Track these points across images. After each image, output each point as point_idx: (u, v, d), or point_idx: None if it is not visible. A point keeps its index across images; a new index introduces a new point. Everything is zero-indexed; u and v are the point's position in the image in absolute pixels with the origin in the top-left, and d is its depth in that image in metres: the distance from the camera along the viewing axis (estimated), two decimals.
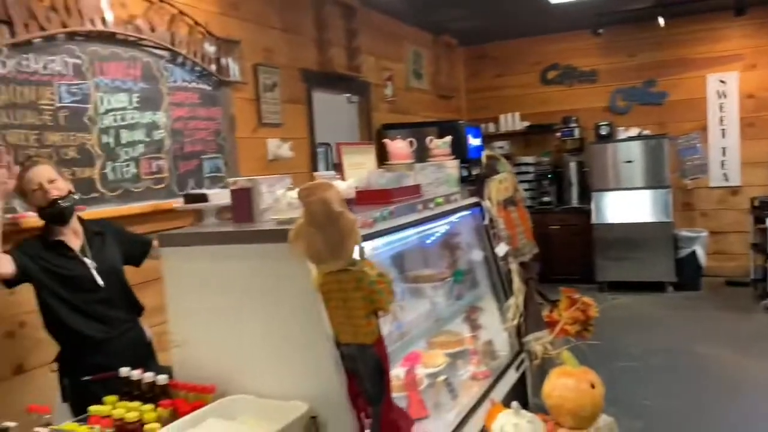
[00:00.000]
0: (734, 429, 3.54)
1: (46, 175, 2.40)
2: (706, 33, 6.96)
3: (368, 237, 2.18)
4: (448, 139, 3.44)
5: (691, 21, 6.90)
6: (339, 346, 1.72)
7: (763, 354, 4.63)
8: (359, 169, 2.86)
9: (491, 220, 3.32)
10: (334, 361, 1.75)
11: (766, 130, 6.78)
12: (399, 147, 3.13)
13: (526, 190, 7.61)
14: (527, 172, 7.64)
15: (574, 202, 7.33)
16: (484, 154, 3.41)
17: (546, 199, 7.47)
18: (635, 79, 7.33)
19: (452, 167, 3.35)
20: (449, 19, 6.67)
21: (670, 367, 4.54)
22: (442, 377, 2.78)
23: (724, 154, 7.01)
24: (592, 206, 6.97)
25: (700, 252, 6.56)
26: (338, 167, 2.76)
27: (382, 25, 6.07)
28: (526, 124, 7.73)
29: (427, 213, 2.75)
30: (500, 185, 3.32)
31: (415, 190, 2.81)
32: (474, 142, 6.32)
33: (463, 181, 3.62)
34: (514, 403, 2.65)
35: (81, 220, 2.55)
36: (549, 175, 7.47)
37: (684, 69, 7.08)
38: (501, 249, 3.29)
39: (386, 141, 3.16)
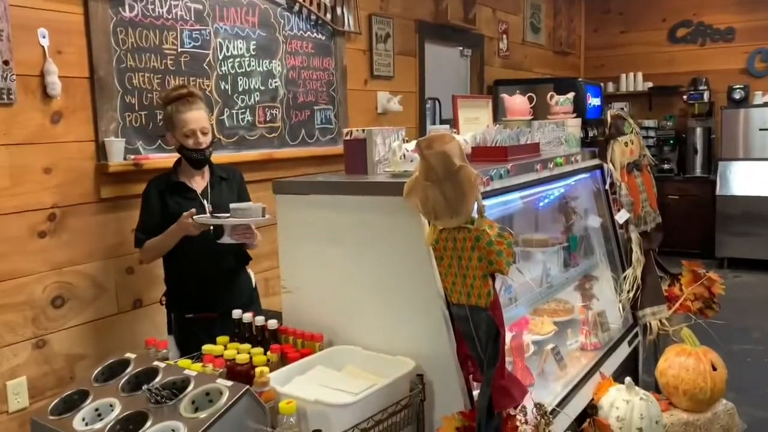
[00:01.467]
0: None
1: (201, 122, 2.45)
2: None
3: (484, 196, 2.08)
4: (571, 95, 3.24)
5: None
6: (450, 306, 1.66)
7: None
8: (474, 125, 2.74)
9: (612, 185, 3.13)
10: (445, 321, 1.69)
11: None
12: (517, 102, 2.98)
13: None
14: (648, 137, 7.16)
15: (698, 171, 6.82)
16: (610, 112, 3.19)
17: (666, 166, 7.00)
18: None
19: (574, 126, 3.16)
20: None
21: None
22: (550, 346, 2.66)
23: None
24: (718, 176, 6.46)
25: None
26: (453, 121, 2.65)
27: None
28: (650, 84, 7.22)
29: (546, 173, 2.60)
30: (625, 147, 3.11)
31: (534, 148, 2.66)
32: (594, 101, 5.96)
33: (582, 142, 3.41)
34: (628, 379, 2.51)
35: (210, 164, 2.60)
36: (671, 141, 6.98)
37: None
38: (621, 216, 3.09)
39: (504, 96, 3.02)
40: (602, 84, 7.36)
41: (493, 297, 1.50)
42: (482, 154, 2.34)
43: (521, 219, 2.95)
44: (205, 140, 2.46)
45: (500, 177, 2.19)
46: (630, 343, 3.03)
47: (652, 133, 7.13)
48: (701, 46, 7.07)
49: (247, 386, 1.46)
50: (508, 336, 2.55)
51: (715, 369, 2.80)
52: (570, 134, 3.10)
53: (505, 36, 5.92)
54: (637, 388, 2.47)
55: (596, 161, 3.12)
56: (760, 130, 6.29)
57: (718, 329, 4.53)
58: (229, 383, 1.47)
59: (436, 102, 5.01)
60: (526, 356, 2.54)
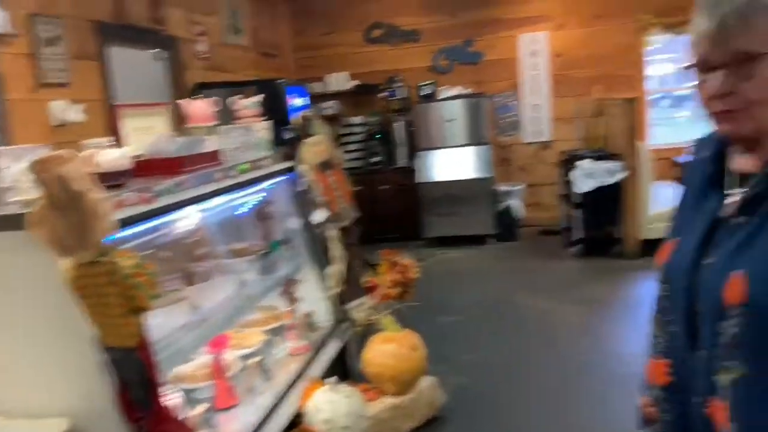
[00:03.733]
0: (550, 373, 3.73)
1: None
2: None
3: (150, 214, 1.89)
4: (257, 98, 3.17)
5: None
6: (105, 350, 1.45)
7: (571, 299, 4.96)
8: (148, 135, 2.52)
9: (308, 185, 3.15)
10: (99, 367, 1.47)
11: (574, 88, 7.21)
12: (198, 108, 2.82)
13: (355, 150, 7.53)
14: (356, 133, 7.55)
15: (402, 161, 7.38)
16: (299, 115, 3.21)
17: (375, 159, 7.45)
18: (456, 38, 7.45)
19: (262, 129, 3.10)
20: None
21: (492, 318, 4.72)
22: (256, 358, 2.58)
23: (536, 111, 7.39)
24: (418, 165, 7.06)
25: (517, 204, 6.91)
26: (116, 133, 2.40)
27: None
28: (355, 83, 7.60)
29: (230, 182, 2.49)
30: (314, 148, 3.14)
31: (214, 156, 2.53)
32: (299, 102, 6.06)
33: (284, 143, 3.39)
34: (331, 379, 2.53)
35: None
36: (377, 135, 7.44)
37: (498, 29, 7.30)
38: (319, 215, 3.13)
39: (182, 102, 2.83)
40: (311, 84, 7.58)
41: (140, 336, 1.33)
42: (149, 168, 2.14)
43: (220, 229, 2.81)
44: None
45: (170, 192, 2.02)
46: (340, 338, 3.09)
47: (359, 129, 7.52)
48: (394, 46, 7.63)
49: None
50: (208, 358, 2.41)
51: (414, 350, 2.99)
52: (259, 138, 3.04)
53: (203, 38, 5.70)
54: (341, 386, 2.51)
55: (289, 164, 3.11)
56: (447, 121, 7.01)
57: (426, 306, 4.92)
58: None
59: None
60: (232, 374, 2.42)
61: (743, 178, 1.10)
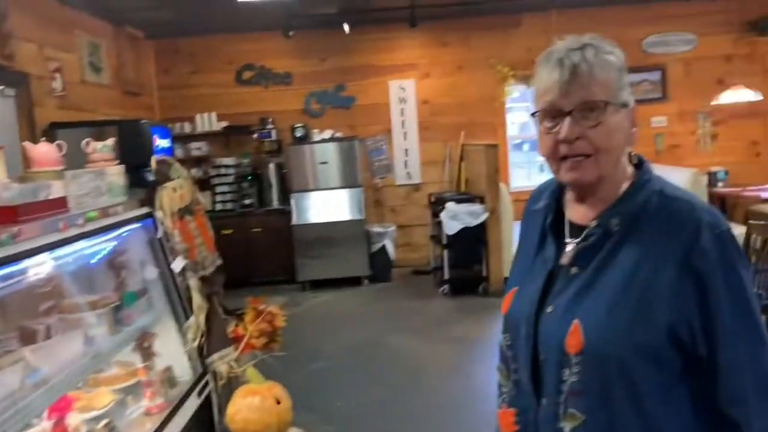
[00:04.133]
0: (419, 416, 3.75)
1: None
2: (386, 41, 7.47)
3: None
4: (111, 141, 3.01)
5: (372, 29, 7.33)
6: None
7: (441, 338, 5.08)
8: None
9: (165, 233, 3.00)
10: None
11: (440, 134, 7.53)
12: (43, 151, 2.62)
13: (227, 192, 7.36)
14: (228, 174, 7.40)
15: (275, 203, 7.30)
16: (154, 159, 3.08)
17: (247, 201, 7.31)
18: (327, 83, 7.56)
19: (115, 174, 2.93)
20: (130, 8, 6.08)
21: (363, 362, 4.70)
22: (104, 421, 2.38)
23: (406, 154, 7.62)
24: (292, 207, 7.01)
25: (390, 245, 7.02)
26: None
27: (44, 9, 5.25)
28: (224, 124, 7.47)
29: (76, 231, 2.32)
30: (174, 193, 3.02)
31: (60, 203, 2.35)
32: (163, 143, 5.85)
33: (147, 187, 3.22)
34: None
35: None
36: (249, 177, 7.32)
37: (368, 75, 7.51)
38: (178, 264, 2.99)
39: (26, 144, 2.63)
40: (179, 124, 7.36)
41: None
42: None
43: (63, 283, 2.60)
44: None
45: (2, 244, 1.85)
46: (200, 393, 2.93)
47: (231, 171, 7.38)
48: (265, 88, 7.61)
49: None
50: (47, 424, 2.20)
51: (279, 402, 2.90)
52: (112, 183, 2.87)
53: (58, 75, 5.38)
54: None
55: (145, 210, 2.96)
56: (320, 163, 7.04)
57: (297, 353, 4.82)
58: None
59: None
60: None
61: (580, 228, 1.17)
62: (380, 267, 7.05)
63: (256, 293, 5.52)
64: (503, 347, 1.27)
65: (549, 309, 1.15)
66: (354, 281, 6.98)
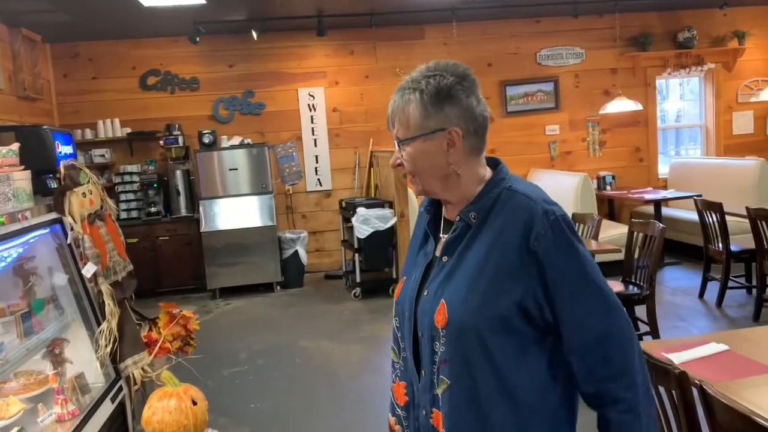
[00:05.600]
0: (333, 412, 3.87)
1: None
2: (295, 49, 7.57)
3: None
4: (15, 146, 2.96)
5: (281, 37, 7.41)
6: None
7: (353, 338, 5.22)
8: None
9: (76, 238, 2.98)
10: None
11: (350, 141, 7.70)
12: None
13: (132, 200, 7.19)
14: (133, 182, 7.22)
15: (183, 211, 7.20)
16: (62, 164, 3.05)
17: (154, 209, 7.17)
18: (236, 89, 7.56)
19: (22, 179, 2.89)
20: (26, 10, 5.86)
21: (276, 365, 4.77)
22: (14, 430, 2.35)
23: (317, 161, 7.73)
24: (201, 214, 6.95)
25: (302, 251, 7.10)
26: None
27: None
28: (128, 130, 7.30)
29: None
30: (84, 198, 3.00)
31: None
32: (65, 149, 5.65)
33: (51, 193, 3.17)
34: None
35: None
36: (155, 185, 7.18)
37: (278, 82, 7.58)
38: (89, 269, 2.98)
39: None
40: (80, 130, 7.13)
41: None
42: None
43: None
44: None
45: None
46: (113, 399, 2.92)
47: (136, 178, 7.21)
48: (172, 93, 7.50)
49: None
50: None
51: (195, 403, 2.93)
52: (19, 188, 2.83)
53: None
54: None
55: (53, 215, 2.93)
56: (229, 169, 7.02)
57: (209, 358, 4.83)
58: None
59: None
60: None
61: (451, 224, 1.38)
62: (292, 273, 7.11)
63: (164, 302, 5.45)
64: (394, 329, 1.46)
65: (425, 293, 1.36)
66: (266, 287, 7.00)
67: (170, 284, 7.01)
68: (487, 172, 1.37)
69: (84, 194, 2.99)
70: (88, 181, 3.03)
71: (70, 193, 2.94)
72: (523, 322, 1.26)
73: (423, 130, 1.30)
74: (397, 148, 1.36)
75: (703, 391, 1.58)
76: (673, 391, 1.74)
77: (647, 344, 2.49)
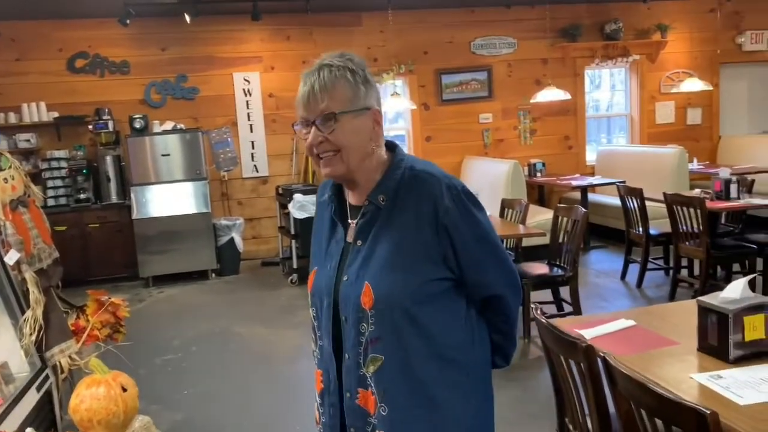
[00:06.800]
0: (266, 397, 3.90)
1: None
2: (229, 33, 7.46)
3: None
4: None
5: (215, 20, 7.30)
6: None
7: (288, 324, 5.25)
8: None
9: None
10: None
11: (286, 127, 7.64)
12: None
13: (60, 187, 6.97)
14: (60, 168, 6.99)
15: (114, 197, 7.02)
16: None
17: (83, 196, 6.96)
18: (168, 73, 7.40)
19: None
20: None
21: (211, 352, 4.75)
22: None
23: (253, 147, 7.67)
24: (132, 201, 6.80)
25: (238, 238, 7.05)
26: None
27: None
28: (55, 114, 7.05)
29: None
30: (5, 184, 2.92)
31: None
32: None
33: None
34: (28, 430, 2.37)
35: None
36: (84, 171, 6.97)
37: (212, 66, 7.47)
38: (11, 256, 2.90)
39: None
40: (2, 114, 6.85)
41: None
42: None
43: None
44: None
45: None
46: (39, 388, 2.87)
47: (64, 164, 6.98)
48: (101, 77, 7.28)
49: None
50: None
51: (125, 390, 2.92)
52: None
53: None
54: None
55: None
56: (162, 155, 6.89)
57: (142, 346, 4.77)
58: None
59: None
60: None
61: (358, 209, 1.42)
62: (228, 260, 7.05)
63: (94, 290, 5.31)
64: (311, 319, 1.51)
65: (345, 278, 1.41)
66: (201, 275, 6.94)
67: (101, 272, 6.84)
68: (385, 155, 1.44)
69: (6, 180, 2.91)
70: (10, 167, 2.95)
71: None
72: (442, 285, 1.37)
73: (354, 106, 1.34)
74: (314, 128, 1.35)
75: (606, 363, 1.71)
76: (581, 364, 1.86)
77: (564, 321, 2.64)
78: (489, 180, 6.86)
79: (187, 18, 6.86)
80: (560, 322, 2.47)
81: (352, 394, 1.41)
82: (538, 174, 7.99)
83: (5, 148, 6.83)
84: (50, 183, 6.92)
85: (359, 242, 1.40)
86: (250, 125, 7.64)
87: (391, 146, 1.46)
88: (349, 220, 1.46)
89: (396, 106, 7.50)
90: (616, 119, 9.19)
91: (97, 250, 6.86)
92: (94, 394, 2.84)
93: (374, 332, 1.35)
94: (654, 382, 1.63)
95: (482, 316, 1.45)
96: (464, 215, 1.36)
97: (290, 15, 7.45)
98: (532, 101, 7.87)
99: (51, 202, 6.87)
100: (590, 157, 8.67)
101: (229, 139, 7.53)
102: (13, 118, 6.94)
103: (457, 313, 1.40)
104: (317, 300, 1.47)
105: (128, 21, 6.63)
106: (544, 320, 2.03)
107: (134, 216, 6.77)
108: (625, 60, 8.52)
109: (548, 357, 2.12)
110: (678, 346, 2.08)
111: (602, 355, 1.75)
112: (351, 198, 1.47)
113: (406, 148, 8.22)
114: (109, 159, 7.00)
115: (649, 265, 5.63)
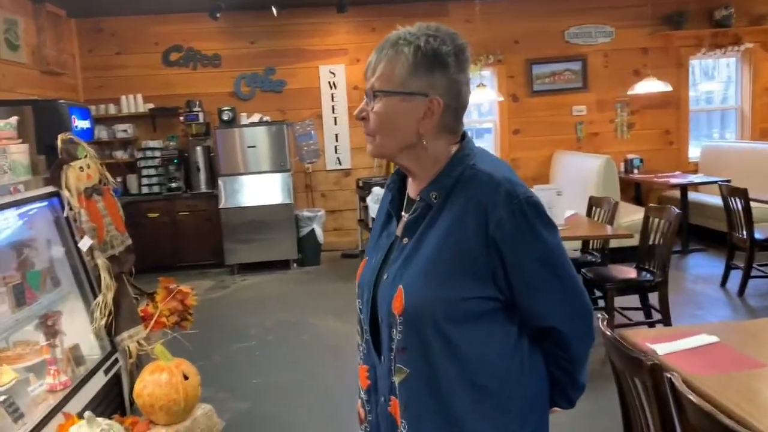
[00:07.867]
0: (334, 391, 3.86)
1: None
2: (315, 26, 7.49)
3: None
4: (14, 119, 2.99)
5: (301, 13, 7.35)
6: None
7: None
8: None
9: (72, 212, 3.00)
10: None
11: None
12: None
13: (153, 175, 7.27)
14: (154, 157, 7.29)
15: (203, 187, 7.25)
16: (60, 137, 3.06)
17: (174, 185, 7.23)
18: (257, 66, 7.53)
19: (18, 152, 2.92)
20: None
21: (284, 342, 4.78)
22: (2, 398, 2.39)
23: (337, 139, 7.69)
24: (220, 191, 6.99)
25: (318, 230, 7.09)
26: None
27: None
28: (150, 106, 7.36)
29: None
30: (81, 173, 3.02)
31: None
32: (82, 124, 5.73)
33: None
34: (87, 413, 2.43)
35: None
36: (176, 161, 7.24)
37: (299, 59, 7.53)
38: (85, 243, 3.00)
39: None
40: (104, 105, 7.22)
41: None
42: None
43: None
44: None
45: None
46: (107, 371, 2.96)
47: (157, 154, 7.28)
48: (193, 70, 7.52)
49: None
50: None
51: (187, 378, 2.95)
52: (14, 162, 2.85)
53: None
54: (99, 419, 2.41)
55: (50, 189, 2.95)
56: (249, 147, 7.03)
57: (219, 334, 4.87)
58: None
59: None
60: None
61: (412, 203, 1.29)
62: (309, 251, 7.11)
63: (183, 277, 5.50)
64: (358, 311, 1.39)
65: (385, 276, 1.28)
66: (283, 264, 7.03)
67: (189, 259, 7.09)
68: (451, 148, 1.27)
69: (81, 168, 3.00)
70: (86, 156, 3.04)
71: (66, 167, 2.96)
72: (486, 305, 1.20)
73: (404, 88, 1.20)
74: (366, 101, 1.24)
75: (672, 385, 1.50)
76: (646, 383, 1.66)
77: (641, 332, 2.41)
78: (580, 176, 6.51)
79: (274, 11, 6.94)
80: (635, 333, 2.25)
81: (385, 399, 1.30)
82: (635, 171, 7.52)
83: (105, 138, 7.22)
84: (144, 172, 7.24)
85: (405, 239, 1.27)
86: (335, 118, 7.66)
87: (462, 138, 1.29)
88: (403, 213, 1.33)
89: (481, 98, 7.26)
90: (729, 113, 8.48)
91: (186, 237, 7.10)
92: (157, 380, 2.89)
93: (401, 341, 1.23)
94: (729, 411, 1.41)
95: (540, 346, 1.27)
96: (522, 230, 1.17)
97: (375, 6, 7.38)
98: (630, 93, 7.40)
99: (145, 190, 7.20)
100: (694, 153, 8.07)
101: (312, 132, 7.58)
102: (112, 109, 7.31)
103: (505, 340, 1.22)
104: (361, 293, 1.37)
105: (218, 15, 6.80)
106: (608, 331, 1.83)
107: (221, 205, 6.95)
108: (736, 48, 7.85)
109: (614, 371, 1.92)
110: (766, 369, 1.82)
111: (669, 376, 1.55)
112: (410, 189, 1.33)
113: (492, 140, 7.98)
114: (199, 149, 7.22)
115: (754, 272, 5.15)
